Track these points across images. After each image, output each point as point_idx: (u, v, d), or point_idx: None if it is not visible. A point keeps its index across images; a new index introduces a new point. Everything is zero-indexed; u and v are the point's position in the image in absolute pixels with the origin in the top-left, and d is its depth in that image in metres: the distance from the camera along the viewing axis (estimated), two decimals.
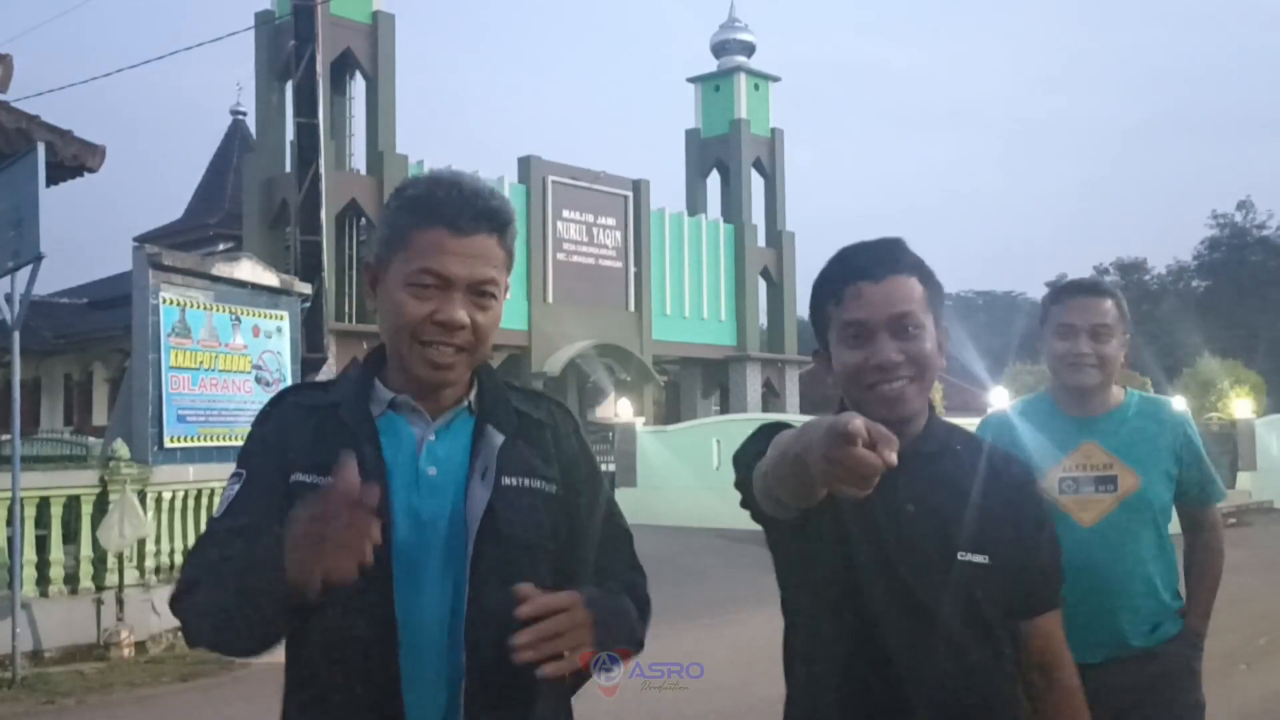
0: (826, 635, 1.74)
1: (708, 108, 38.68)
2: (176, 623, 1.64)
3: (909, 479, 1.64)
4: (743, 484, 1.67)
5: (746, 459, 1.65)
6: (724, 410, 34.71)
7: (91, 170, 9.84)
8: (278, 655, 1.59)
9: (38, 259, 7.12)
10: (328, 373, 17.19)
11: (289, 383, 9.40)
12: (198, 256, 10.87)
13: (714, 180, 38.85)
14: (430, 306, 1.57)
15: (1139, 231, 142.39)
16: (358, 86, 29.37)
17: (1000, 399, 14.18)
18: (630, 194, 33.98)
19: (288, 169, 22.59)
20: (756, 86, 38.84)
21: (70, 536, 8.19)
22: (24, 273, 7.37)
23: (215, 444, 9.20)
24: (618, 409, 24.25)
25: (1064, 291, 2.89)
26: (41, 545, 8.02)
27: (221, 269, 9.75)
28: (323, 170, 16.05)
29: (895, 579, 1.68)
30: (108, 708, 6.87)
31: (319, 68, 16.79)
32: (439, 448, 1.61)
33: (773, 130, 39.05)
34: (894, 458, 1.25)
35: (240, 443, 1.69)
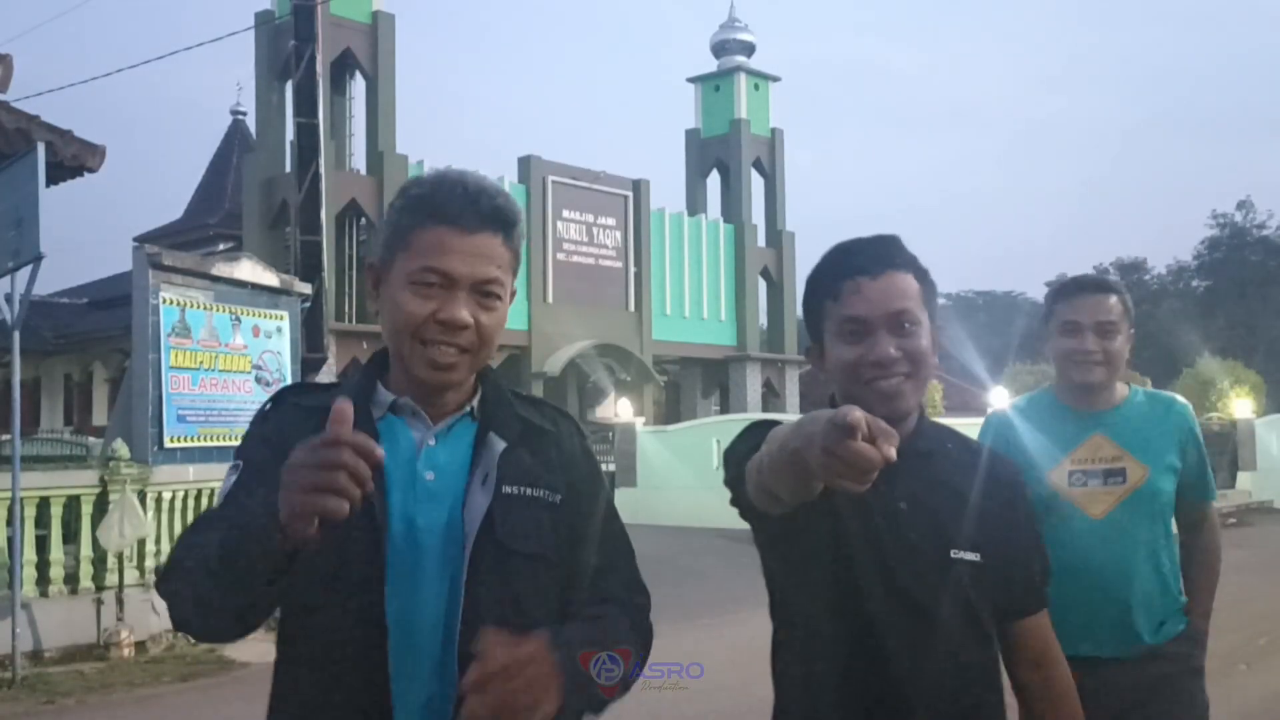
0: (825, 635, 1.73)
1: (708, 108, 38.71)
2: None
3: (903, 477, 1.64)
4: (734, 481, 1.66)
5: (737, 457, 1.64)
6: (724, 410, 34.73)
7: (91, 170, 9.84)
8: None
9: (38, 259, 7.12)
10: (328, 373, 17.17)
11: (289, 383, 9.39)
12: (198, 256, 10.86)
13: (714, 180, 38.89)
14: (433, 305, 1.53)
15: (1139, 231, 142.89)
16: (358, 86, 29.44)
17: (1000, 399, 14.15)
18: (630, 194, 34.00)
19: (288, 169, 22.58)
20: (756, 86, 38.86)
21: (70, 536, 8.18)
22: (24, 273, 7.37)
23: (215, 444, 9.19)
24: (618, 409, 24.24)
25: (1069, 288, 2.86)
26: (41, 545, 8.01)
27: (221, 269, 9.75)
28: (323, 170, 16.01)
29: (893, 579, 1.68)
30: (108, 708, 6.86)
31: (319, 68, 16.76)
32: (438, 453, 1.58)
33: (773, 130, 39.08)
34: (893, 452, 1.25)
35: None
